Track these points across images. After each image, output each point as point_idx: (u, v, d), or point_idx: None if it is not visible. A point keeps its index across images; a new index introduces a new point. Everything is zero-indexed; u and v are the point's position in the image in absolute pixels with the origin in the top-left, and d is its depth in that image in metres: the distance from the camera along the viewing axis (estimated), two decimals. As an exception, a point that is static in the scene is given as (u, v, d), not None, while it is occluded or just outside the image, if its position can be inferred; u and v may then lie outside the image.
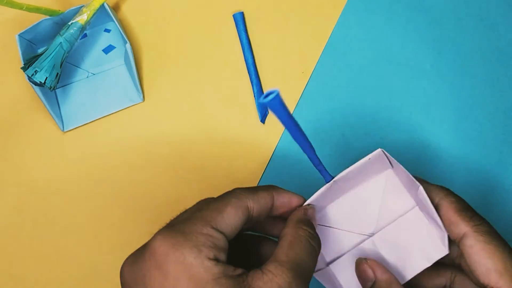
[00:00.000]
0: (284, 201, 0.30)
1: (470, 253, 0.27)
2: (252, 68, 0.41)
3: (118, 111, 0.41)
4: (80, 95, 0.41)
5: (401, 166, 0.29)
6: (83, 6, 0.38)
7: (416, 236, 0.31)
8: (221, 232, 0.26)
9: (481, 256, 0.27)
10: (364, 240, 0.32)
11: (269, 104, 0.22)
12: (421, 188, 0.29)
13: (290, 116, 0.24)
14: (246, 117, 0.41)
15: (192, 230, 0.25)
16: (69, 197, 0.39)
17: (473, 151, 0.40)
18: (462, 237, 0.28)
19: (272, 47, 0.42)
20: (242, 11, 0.42)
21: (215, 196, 0.29)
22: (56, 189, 0.39)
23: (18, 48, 0.38)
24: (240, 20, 0.41)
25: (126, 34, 0.40)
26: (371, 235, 0.32)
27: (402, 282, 0.30)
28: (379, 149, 0.29)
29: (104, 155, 0.40)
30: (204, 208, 0.27)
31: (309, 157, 0.28)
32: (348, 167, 0.30)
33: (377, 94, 0.41)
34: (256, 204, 0.28)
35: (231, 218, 0.27)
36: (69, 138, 0.40)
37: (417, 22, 0.43)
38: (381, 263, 0.30)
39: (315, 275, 0.29)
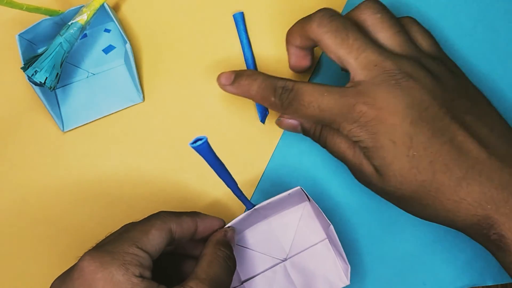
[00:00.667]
0: (206, 225, 0.32)
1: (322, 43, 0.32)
2: (252, 68, 0.41)
3: (118, 111, 0.41)
4: (80, 95, 0.41)
5: (315, 203, 0.33)
6: (83, 6, 0.38)
7: (323, 265, 0.35)
8: (146, 252, 0.28)
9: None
10: (277, 264, 0.36)
11: (197, 149, 0.25)
12: (331, 227, 0.33)
13: (216, 158, 0.27)
14: (246, 117, 0.41)
15: (119, 250, 0.28)
16: (69, 197, 0.39)
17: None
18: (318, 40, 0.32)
19: (272, 47, 0.42)
20: (242, 11, 0.42)
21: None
22: (56, 189, 0.39)
23: (18, 48, 0.38)
24: (240, 20, 0.41)
25: (126, 34, 0.40)
26: (283, 260, 0.36)
27: None
28: (298, 187, 0.33)
29: (104, 155, 0.40)
30: (130, 229, 0.29)
31: (231, 190, 0.32)
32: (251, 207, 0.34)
33: (377, 94, 0.41)
34: (179, 228, 0.30)
35: (155, 239, 0.29)
36: (69, 138, 0.40)
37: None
38: (290, 284, 0.35)
39: None
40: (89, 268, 0.27)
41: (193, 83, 0.41)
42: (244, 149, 0.40)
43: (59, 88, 0.41)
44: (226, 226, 0.33)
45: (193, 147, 0.25)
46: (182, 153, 0.40)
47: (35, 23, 0.38)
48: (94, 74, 0.41)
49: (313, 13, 0.33)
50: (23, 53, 0.38)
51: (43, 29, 0.39)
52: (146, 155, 0.40)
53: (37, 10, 0.36)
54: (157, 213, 0.31)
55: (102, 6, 0.39)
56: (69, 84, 0.41)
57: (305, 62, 0.36)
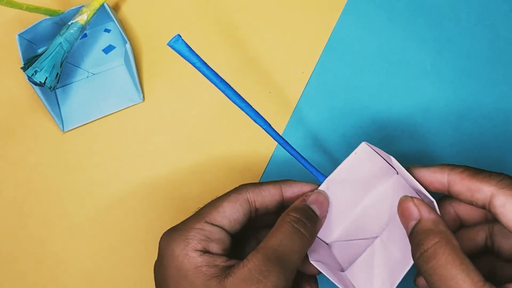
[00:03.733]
0: (295, 191, 0.30)
1: (504, 212, 0.25)
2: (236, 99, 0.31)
3: (118, 111, 0.41)
4: (80, 95, 0.41)
5: (390, 157, 0.29)
6: (83, 6, 0.38)
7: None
8: (217, 225, 0.28)
9: None
10: (372, 242, 0.32)
11: (175, 48, 0.25)
12: (392, 159, 0.29)
13: (201, 62, 0.27)
14: (246, 117, 0.41)
15: (187, 226, 0.28)
16: (69, 197, 0.39)
17: (473, 151, 0.40)
18: (490, 199, 0.26)
19: (272, 47, 0.42)
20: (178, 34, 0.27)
21: (216, 195, 0.30)
22: (56, 189, 0.39)
23: (18, 48, 0.38)
24: (182, 47, 0.27)
25: (126, 34, 0.40)
26: (376, 236, 0.32)
27: (407, 269, 0.29)
28: (363, 143, 0.30)
29: (104, 155, 0.40)
30: (206, 205, 0.29)
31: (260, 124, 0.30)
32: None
33: (377, 94, 0.41)
34: (258, 197, 0.29)
35: (227, 211, 0.28)
36: (69, 138, 0.40)
37: (417, 22, 0.43)
38: (391, 256, 0.30)
39: (335, 281, 0.29)
40: (161, 246, 0.28)
41: (193, 83, 0.41)
42: (244, 149, 0.40)
43: (59, 88, 0.41)
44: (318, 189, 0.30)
45: (170, 45, 0.25)
46: (182, 153, 0.40)
47: (35, 23, 0.38)
48: (94, 74, 0.41)
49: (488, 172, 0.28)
50: (23, 53, 0.38)
51: (43, 29, 0.39)
52: (146, 155, 0.40)
53: (37, 10, 0.36)
54: (236, 187, 0.30)
55: (102, 6, 0.39)
56: (69, 84, 0.41)
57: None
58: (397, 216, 0.30)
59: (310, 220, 0.29)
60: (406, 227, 0.28)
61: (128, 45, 0.39)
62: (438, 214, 0.27)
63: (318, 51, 0.42)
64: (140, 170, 0.40)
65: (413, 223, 0.27)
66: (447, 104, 0.41)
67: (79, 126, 0.40)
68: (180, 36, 0.25)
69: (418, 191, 0.30)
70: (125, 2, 0.43)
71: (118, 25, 0.39)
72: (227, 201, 0.28)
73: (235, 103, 0.29)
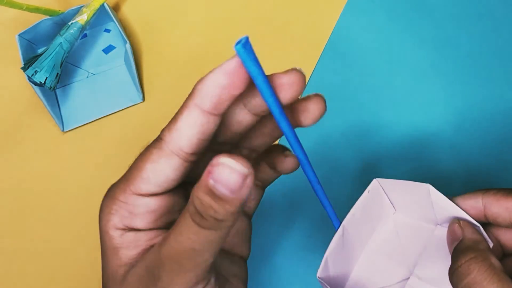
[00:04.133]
0: (208, 102, 0.22)
1: None
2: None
3: (118, 111, 0.41)
4: (80, 95, 0.41)
5: (407, 183, 0.28)
6: (83, 6, 0.38)
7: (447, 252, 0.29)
8: (142, 195, 0.22)
9: None
10: (406, 281, 0.29)
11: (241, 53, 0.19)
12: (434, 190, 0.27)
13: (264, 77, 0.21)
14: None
15: (113, 194, 0.23)
16: (69, 197, 0.39)
17: (473, 151, 0.40)
18: None
19: (272, 46, 0.42)
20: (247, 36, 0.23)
21: None
22: (56, 189, 0.39)
23: (18, 48, 0.38)
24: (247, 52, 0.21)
25: (126, 34, 0.40)
26: (407, 278, 0.30)
27: None
28: (375, 180, 0.28)
29: (104, 155, 0.40)
30: (135, 163, 0.23)
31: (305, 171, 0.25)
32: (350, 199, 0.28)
33: (377, 94, 0.41)
34: (181, 139, 0.22)
35: (151, 176, 0.22)
36: (69, 138, 0.40)
37: (417, 22, 0.43)
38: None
39: None
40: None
41: (193, 83, 0.41)
42: (244, 149, 0.40)
43: (59, 88, 0.41)
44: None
45: (238, 49, 0.19)
46: (182, 153, 0.40)
47: (35, 23, 0.38)
48: (94, 74, 0.41)
49: None
50: (23, 53, 0.38)
51: (43, 29, 0.39)
52: (146, 155, 0.40)
53: (37, 10, 0.36)
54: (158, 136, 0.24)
55: (102, 6, 0.39)
56: (69, 84, 0.41)
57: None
58: (418, 252, 0.29)
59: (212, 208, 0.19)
60: (450, 250, 0.27)
61: (128, 45, 0.39)
62: (483, 236, 0.26)
63: (318, 51, 0.42)
64: (140, 170, 0.40)
65: (455, 243, 0.26)
66: (447, 104, 0.41)
67: (79, 126, 0.40)
68: (248, 39, 0.19)
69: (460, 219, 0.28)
70: (125, 2, 0.43)
71: (118, 25, 0.39)
72: (150, 161, 0.22)
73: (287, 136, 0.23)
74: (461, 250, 0.25)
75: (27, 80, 0.37)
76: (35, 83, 0.36)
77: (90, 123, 0.40)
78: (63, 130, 0.40)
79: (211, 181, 0.18)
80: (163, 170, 0.22)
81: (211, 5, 0.43)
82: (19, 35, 0.38)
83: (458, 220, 0.27)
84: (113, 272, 0.22)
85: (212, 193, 0.18)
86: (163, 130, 0.23)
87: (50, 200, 0.39)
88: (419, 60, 0.42)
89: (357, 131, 0.41)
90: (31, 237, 0.39)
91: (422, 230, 0.30)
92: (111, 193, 0.24)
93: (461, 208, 0.27)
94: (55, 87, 0.37)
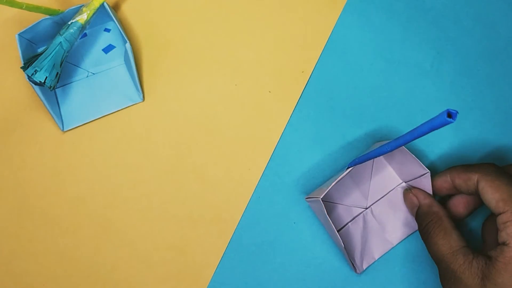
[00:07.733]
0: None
1: (482, 193, 0.32)
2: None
3: (118, 111, 0.41)
4: (80, 94, 0.41)
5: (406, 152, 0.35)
6: (83, 5, 0.38)
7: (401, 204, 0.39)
8: None
9: (490, 192, 0.31)
10: (362, 212, 0.39)
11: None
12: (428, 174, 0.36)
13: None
14: (246, 116, 0.41)
15: None
16: (69, 197, 0.39)
17: (473, 151, 0.40)
18: (476, 185, 0.33)
19: (272, 46, 0.42)
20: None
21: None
22: (56, 189, 0.39)
23: (18, 47, 0.38)
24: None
25: (126, 33, 0.40)
26: (366, 208, 0.39)
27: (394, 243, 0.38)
28: (377, 143, 0.36)
29: (104, 155, 0.40)
30: None
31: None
32: (346, 168, 0.35)
33: (377, 94, 0.41)
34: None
35: None
36: (69, 137, 0.40)
37: (417, 22, 0.43)
38: (380, 225, 0.38)
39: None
40: None
41: (193, 83, 0.41)
42: (244, 148, 0.40)
43: (59, 87, 0.41)
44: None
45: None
46: (182, 153, 0.40)
47: (35, 23, 0.38)
48: (94, 74, 0.41)
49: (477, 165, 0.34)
50: (23, 53, 0.38)
51: (43, 29, 0.39)
52: (146, 155, 0.40)
53: (37, 9, 0.36)
54: None
55: (102, 5, 0.39)
56: (69, 83, 0.41)
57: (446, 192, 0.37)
58: (382, 193, 0.39)
59: None
60: (412, 213, 0.37)
61: (128, 45, 0.39)
62: (432, 197, 0.36)
63: (318, 51, 0.42)
64: (140, 170, 0.40)
65: (415, 209, 0.37)
66: (447, 104, 0.41)
67: (79, 126, 0.40)
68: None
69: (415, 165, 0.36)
70: (125, 2, 0.43)
71: (118, 24, 0.39)
72: None
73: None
74: (421, 215, 0.36)
75: (27, 80, 0.37)
76: (35, 83, 0.36)
77: (90, 123, 0.40)
78: (63, 129, 0.40)
79: None
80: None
81: (211, 5, 0.43)
82: (18, 34, 0.38)
83: (410, 189, 0.37)
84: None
85: None
86: None
87: (50, 200, 0.39)
88: (419, 60, 0.42)
89: (357, 131, 0.41)
90: (30, 237, 0.39)
91: (393, 180, 0.39)
92: None
93: (436, 183, 0.36)
94: (55, 87, 0.37)
